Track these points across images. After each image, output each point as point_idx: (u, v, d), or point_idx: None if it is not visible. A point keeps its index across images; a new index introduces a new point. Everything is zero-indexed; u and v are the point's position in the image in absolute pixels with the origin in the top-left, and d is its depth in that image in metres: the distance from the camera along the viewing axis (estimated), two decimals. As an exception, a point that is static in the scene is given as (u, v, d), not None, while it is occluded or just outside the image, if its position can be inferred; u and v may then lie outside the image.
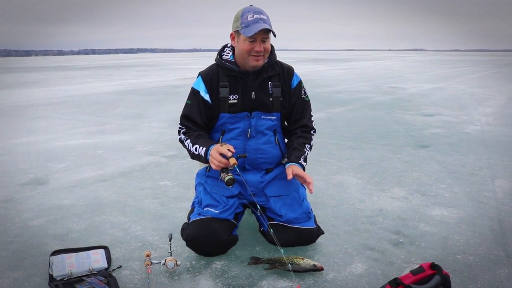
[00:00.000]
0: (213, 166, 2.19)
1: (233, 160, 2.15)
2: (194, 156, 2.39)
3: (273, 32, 2.33)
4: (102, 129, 6.16)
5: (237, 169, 2.19)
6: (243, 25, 2.29)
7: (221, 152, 2.17)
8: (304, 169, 2.42)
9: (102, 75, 19.43)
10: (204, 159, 2.30)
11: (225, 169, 2.17)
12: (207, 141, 2.34)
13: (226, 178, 2.13)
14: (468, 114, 7.35)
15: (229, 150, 2.18)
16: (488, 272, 2.14)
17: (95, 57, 70.26)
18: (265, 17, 2.30)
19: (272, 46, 2.45)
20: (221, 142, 2.36)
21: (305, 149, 2.50)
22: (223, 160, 2.16)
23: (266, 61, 2.42)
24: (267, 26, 2.27)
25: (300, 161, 2.41)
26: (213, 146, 2.25)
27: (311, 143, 2.56)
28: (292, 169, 2.32)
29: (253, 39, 2.29)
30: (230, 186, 2.17)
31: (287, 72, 2.53)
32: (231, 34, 2.42)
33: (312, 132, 2.59)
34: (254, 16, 2.28)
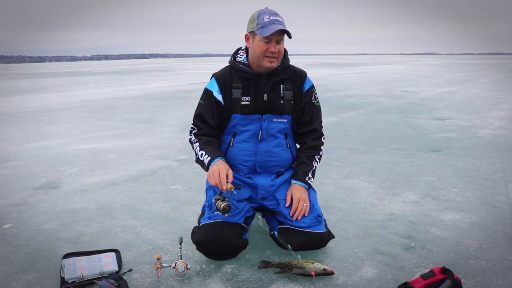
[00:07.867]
0: (210, 181, 2.25)
1: (229, 185, 2.19)
2: (198, 161, 2.43)
3: (289, 33, 2.33)
4: (114, 134, 6.22)
5: (235, 192, 2.22)
6: (259, 26, 2.30)
7: (221, 174, 2.20)
8: (310, 186, 2.48)
9: (114, 80, 19.63)
10: (206, 167, 2.34)
11: (219, 196, 2.21)
12: (215, 150, 2.37)
13: (222, 206, 2.16)
14: (481, 118, 7.27)
15: (227, 175, 2.21)
16: (501, 278, 2.11)
17: (107, 63, 71.01)
18: (280, 19, 2.32)
19: (285, 50, 2.46)
20: (232, 145, 2.42)
21: (313, 162, 2.52)
22: (219, 181, 2.19)
23: (279, 64, 2.43)
24: (283, 27, 2.28)
25: (306, 179, 2.47)
26: (218, 159, 2.29)
27: (321, 153, 2.57)
28: (292, 193, 2.42)
29: (268, 40, 2.31)
30: (226, 215, 2.19)
31: (299, 75, 2.53)
32: (245, 35, 2.42)
33: (322, 138, 2.58)
34: (271, 18, 2.30)
